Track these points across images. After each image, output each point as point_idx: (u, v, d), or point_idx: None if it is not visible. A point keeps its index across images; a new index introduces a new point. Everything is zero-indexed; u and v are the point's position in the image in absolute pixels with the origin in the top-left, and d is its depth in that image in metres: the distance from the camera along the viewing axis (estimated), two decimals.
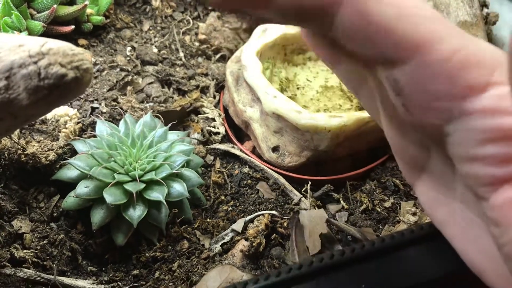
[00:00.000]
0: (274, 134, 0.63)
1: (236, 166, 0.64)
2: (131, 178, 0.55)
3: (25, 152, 0.54)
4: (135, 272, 0.54)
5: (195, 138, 0.66)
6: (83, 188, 0.53)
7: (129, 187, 0.53)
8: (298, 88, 0.69)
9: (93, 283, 0.53)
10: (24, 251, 0.53)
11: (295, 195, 0.61)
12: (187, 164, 0.58)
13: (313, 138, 0.60)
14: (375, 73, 0.28)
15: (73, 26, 0.66)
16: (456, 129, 0.25)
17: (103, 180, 0.53)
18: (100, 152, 0.55)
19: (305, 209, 0.60)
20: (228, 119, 0.68)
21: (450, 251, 0.46)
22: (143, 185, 0.54)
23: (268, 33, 0.69)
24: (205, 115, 0.67)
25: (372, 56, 0.25)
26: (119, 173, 0.54)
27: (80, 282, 0.53)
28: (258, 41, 0.67)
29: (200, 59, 0.73)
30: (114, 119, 0.63)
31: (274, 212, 0.58)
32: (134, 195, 0.53)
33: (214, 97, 0.70)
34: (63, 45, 0.34)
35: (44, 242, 0.54)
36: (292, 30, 0.70)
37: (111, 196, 0.52)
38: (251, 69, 0.64)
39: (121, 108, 0.64)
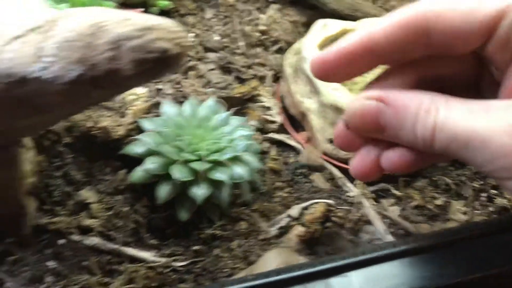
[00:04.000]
0: (331, 126, 0.64)
1: (291, 155, 0.66)
2: (196, 158, 0.57)
3: (97, 126, 0.57)
4: (196, 247, 0.56)
5: (251, 125, 0.68)
6: (150, 164, 0.56)
7: (195, 165, 0.55)
8: (355, 83, 0.70)
9: (154, 256, 0.55)
10: (91, 220, 0.56)
11: (349, 187, 0.63)
12: (247, 149, 0.60)
13: None
14: None
15: (142, 9, 0.69)
16: None
17: (171, 157, 0.56)
18: (168, 131, 0.57)
19: (360, 202, 0.61)
20: (284, 109, 0.70)
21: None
22: (208, 165, 0.56)
23: (329, 27, 0.70)
24: (262, 104, 0.69)
25: None
26: (185, 152, 0.56)
27: (142, 254, 0.55)
28: (319, 34, 0.69)
29: (258, 50, 0.75)
30: (177, 101, 0.65)
31: (329, 201, 0.60)
32: (201, 174, 0.55)
33: (271, 87, 0.72)
34: (167, 21, 0.37)
35: (109, 213, 0.57)
36: (351, 25, 0.71)
37: (178, 173, 0.55)
38: None
39: (185, 91, 0.66)
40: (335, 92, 0.63)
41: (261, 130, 0.68)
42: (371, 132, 0.36)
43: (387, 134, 0.35)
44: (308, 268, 0.44)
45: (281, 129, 0.69)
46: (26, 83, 0.37)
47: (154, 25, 0.35)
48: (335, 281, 0.43)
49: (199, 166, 0.55)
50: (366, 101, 0.35)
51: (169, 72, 0.38)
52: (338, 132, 0.39)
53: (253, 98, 0.70)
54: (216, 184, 0.57)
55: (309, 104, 0.66)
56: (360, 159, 0.38)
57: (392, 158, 0.36)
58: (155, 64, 0.36)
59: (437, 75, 0.38)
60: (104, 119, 0.58)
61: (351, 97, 0.61)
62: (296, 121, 0.69)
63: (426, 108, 0.33)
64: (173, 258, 0.55)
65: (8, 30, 0.38)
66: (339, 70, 0.37)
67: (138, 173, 0.57)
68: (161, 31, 0.35)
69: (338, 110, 0.62)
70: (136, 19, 0.36)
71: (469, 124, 0.31)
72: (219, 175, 0.56)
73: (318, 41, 0.68)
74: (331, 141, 0.65)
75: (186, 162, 0.56)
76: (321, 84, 0.64)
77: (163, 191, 0.56)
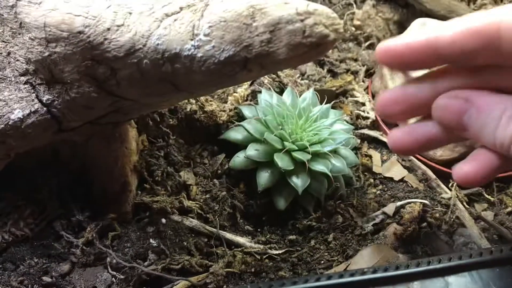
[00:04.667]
0: None
1: (384, 152, 0.66)
2: (298, 148, 0.56)
3: (204, 109, 0.57)
4: (291, 237, 0.56)
5: (344, 120, 0.67)
6: (253, 151, 0.56)
7: (297, 155, 0.55)
8: None
9: (250, 242, 0.56)
10: (190, 202, 0.56)
11: (443, 189, 0.62)
12: (346, 143, 0.60)
13: None
14: None
15: None
16: None
17: (274, 146, 0.56)
18: (270, 119, 0.57)
19: (454, 204, 0.60)
20: None
21: None
22: (310, 156, 0.56)
23: (428, 26, 0.69)
24: (355, 99, 0.69)
25: None
26: (288, 141, 0.56)
27: (239, 239, 0.55)
28: None
29: (350, 44, 0.74)
30: (273, 91, 0.65)
31: (425, 201, 0.59)
32: (301, 164, 0.55)
33: (364, 82, 0.71)
34: (324, 7, 0.36)
35: (207, 196, 0.57)
36: None
37: (281, 162, 0.54)
38: None
39: (281, 82, 0.66)
40: None
41: (352, 125, 0.67)
42: (453, 128, 0.37)
43: (468, 133, 0.36)
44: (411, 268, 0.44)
45: (374, 126, 0.68)
46: (176, 60, 0.38)
47: (315, 10, 0.35)
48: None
49: (301, 156, 0.55)
50: (452, 98, 0.36)
51: (319, 57, 0.38)
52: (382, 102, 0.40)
53: (345, 92, 0.69)
54: (315, 176, 0.57)
55: None
56: (403, 133, 0.40)
57: (464, 171, 0.38)
58: (310, 49, 0.36)
59: (499, 86, 0.36)
60: (211, 103, 0.58)
61: None
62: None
63: (509, 115, 0.34)
64: (269, 245, 0.55)
65: (160, 6, 0.39)
66: (402, 60, 0.37)
67: (238, 159, 0.57)
68: (320, 16, 0.35)
69: None
70: (295, 2, 0.36)
71: None
72: (321, 166, 0.56)
73: None
74: None
75: (289, 151, 0.56)
76: None
77: (264, 179, 0.56)
